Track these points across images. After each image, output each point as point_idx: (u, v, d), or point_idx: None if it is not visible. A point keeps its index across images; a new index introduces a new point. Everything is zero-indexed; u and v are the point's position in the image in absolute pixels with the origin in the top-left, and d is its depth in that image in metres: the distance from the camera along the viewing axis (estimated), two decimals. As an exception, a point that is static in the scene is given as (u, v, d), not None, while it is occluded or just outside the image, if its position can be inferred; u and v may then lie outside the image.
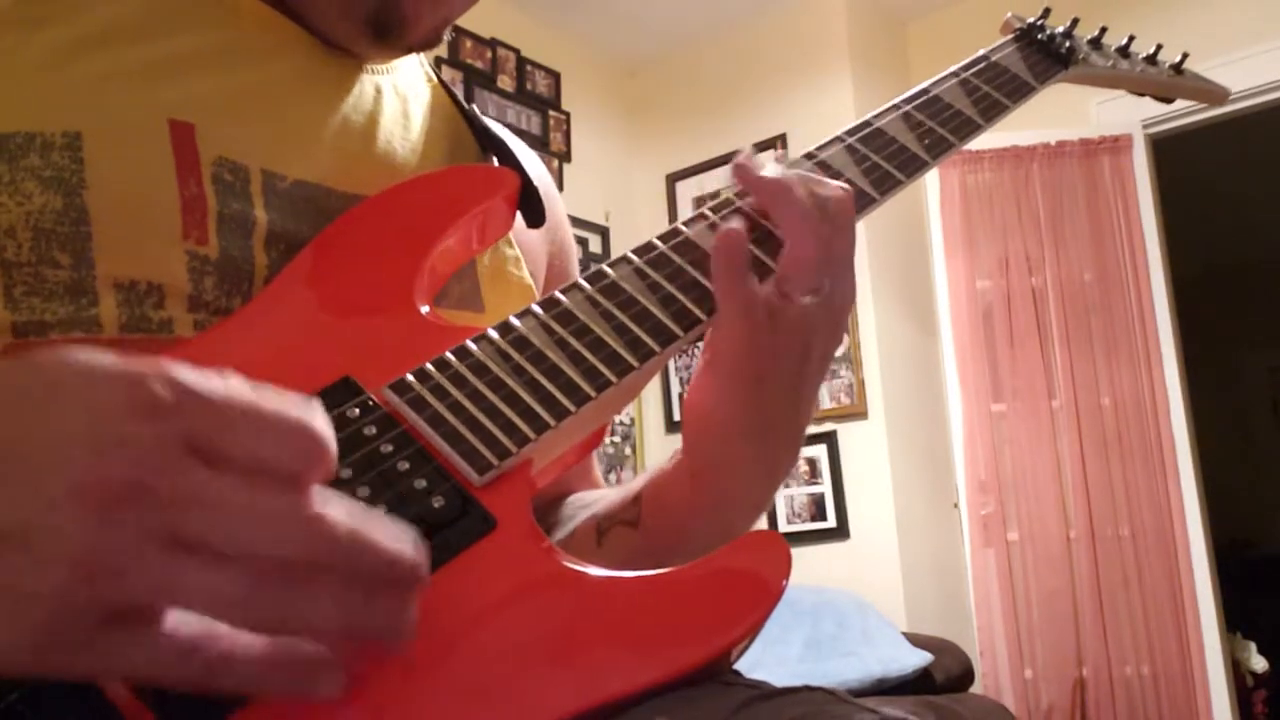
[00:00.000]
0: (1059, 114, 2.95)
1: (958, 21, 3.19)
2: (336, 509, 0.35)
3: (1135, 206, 2.91)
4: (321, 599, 0.34)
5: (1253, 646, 3.33)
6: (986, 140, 2.95)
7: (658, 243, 0.55)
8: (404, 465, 0.44)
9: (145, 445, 0.33)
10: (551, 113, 3.26)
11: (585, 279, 0.53)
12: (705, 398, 0.53)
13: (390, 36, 0.59)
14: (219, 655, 0.34)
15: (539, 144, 3.17)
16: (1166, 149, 3.09)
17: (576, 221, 3.18)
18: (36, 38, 0.51)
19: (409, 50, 0.63)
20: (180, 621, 0.33)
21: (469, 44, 3.02)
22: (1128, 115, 2.93)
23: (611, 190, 3.41)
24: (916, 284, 3.16)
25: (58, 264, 0.48)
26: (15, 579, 0.31)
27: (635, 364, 0.50)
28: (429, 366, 0.48)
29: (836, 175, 0.59)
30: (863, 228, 2.71)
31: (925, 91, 0.66)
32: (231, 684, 0.34)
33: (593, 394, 0.49)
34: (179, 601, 0.33)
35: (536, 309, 0.51)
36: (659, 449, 3.28)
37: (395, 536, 0.35)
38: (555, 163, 3.22)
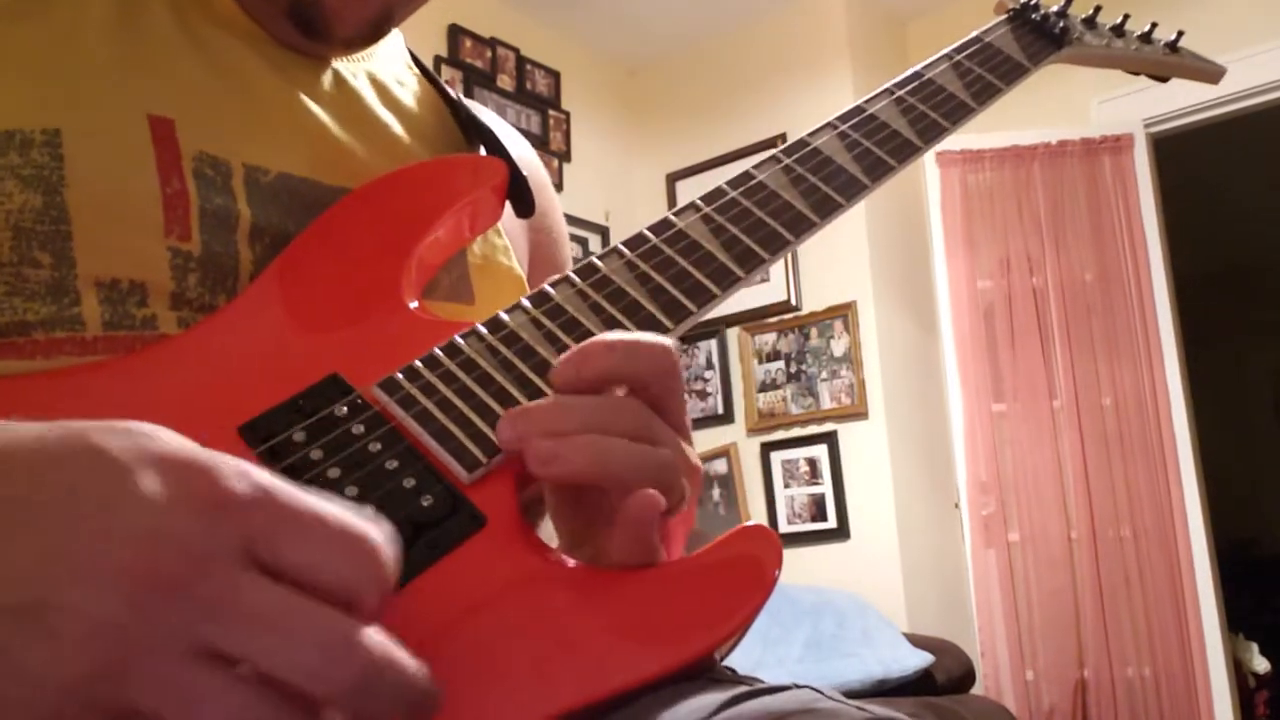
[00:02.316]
0: (1060, 113, 2.95)
1: (958, 20, 3.18)
2: (375, 635, 0.32)
3: (1136, 206, 2.91)
4: None
5: (1255, 647, 3.32)
6: (987, 140, 2.95)
7: (648, 234, 0.54)
8: (393, 464, 0.44)
9: (201, 541, 0.31)
10: (551, 112, 3.25)
11: (575, 272, 0.53)
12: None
13: (316, 32, 0.58)
14: None
15: (539, 143, 3.17)
16: (1168, 148, 3.09)
17: (576, 221, 3.18)
18: (13, 34, 0.50)
19: (346, 46, 0.61)
20: None
21: (468, 43, 3.02)
22: (1129, 114, 2.92)
23: (611, 190, 3.41)
24: (917, 284, 3.15)
25: (38, 264, 0.48)
26: (28, 656, 0.30)
27: None
28: (418, 364, 0.48)
29: (828, 162, 0.58)
30: (863, 227, 2.73)
31: (918, 75, 0.65)
32: None
33: None
34: (190, 714, 0.30)
35: (526, 303, 0.51)
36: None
37: (419, 670, 0.33)
38: (555, 162, 3.22)
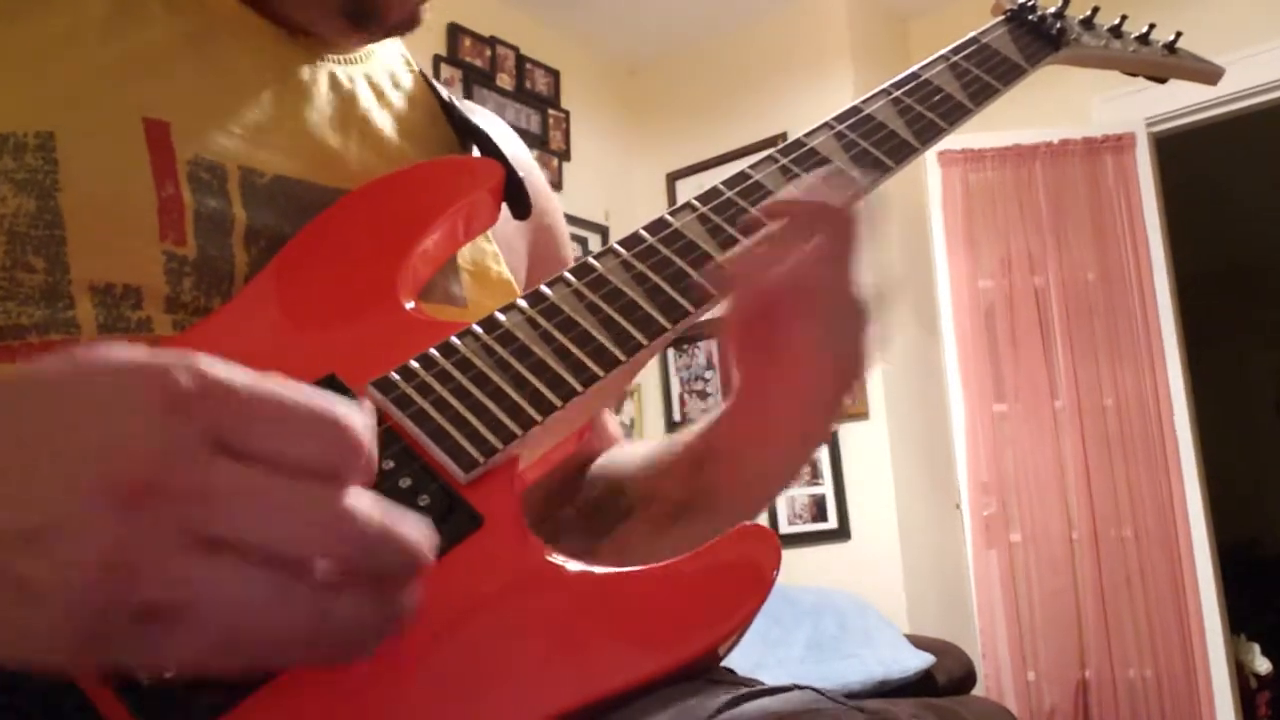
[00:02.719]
0: (1061, 112, 2.94)
1: (959, 20, 3.16)
2: (366, 503, 0.34)
3: (1138, 205, 2.90)
4: (346, 598, 0.33)
5: (1256, 648, 3.32)
6: (988, 139, 2.95)
7: (644, 234, 0.54)
8: (389, 464, 0.44)
9: (169, 440, 0.32)
10: (551, 112, 3.25)
11: (571, 272, 0.52)
12: (806, 435, 0.56)
13: (368, 22, 0.59)
14: (258, 643, 0.33)
15: (539, 143, 3.17)
16: (1170, 148, 3.08)
17: (576, 221, 3.18)
18: (8, 35, 0.50)
19: (389, 33, 0.62)
20: (206, 618, 0.32)
21: (468, 42, 3.02)
22: (1131, 114, 2.92)
23: (611, 190, 3.41)
24: (918, 283, 3.15)
25: (32, 268, 0.47)
26: (40, 580, 0.31)
27: (623, 358, 0.49)
28: (413, 364, 0.47)
29: (825, 162, 0.58)
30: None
31: (915, 75, 0.65)
32: (273, 666, 0.34)
33: (580, 389, 0.48)
34: (204, 602, 0.32)
35: (521, 303, 0.51)
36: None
37: (418, 528, 0.35)
38: (555, 162, 3.21)
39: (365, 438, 0.35)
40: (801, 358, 0.53)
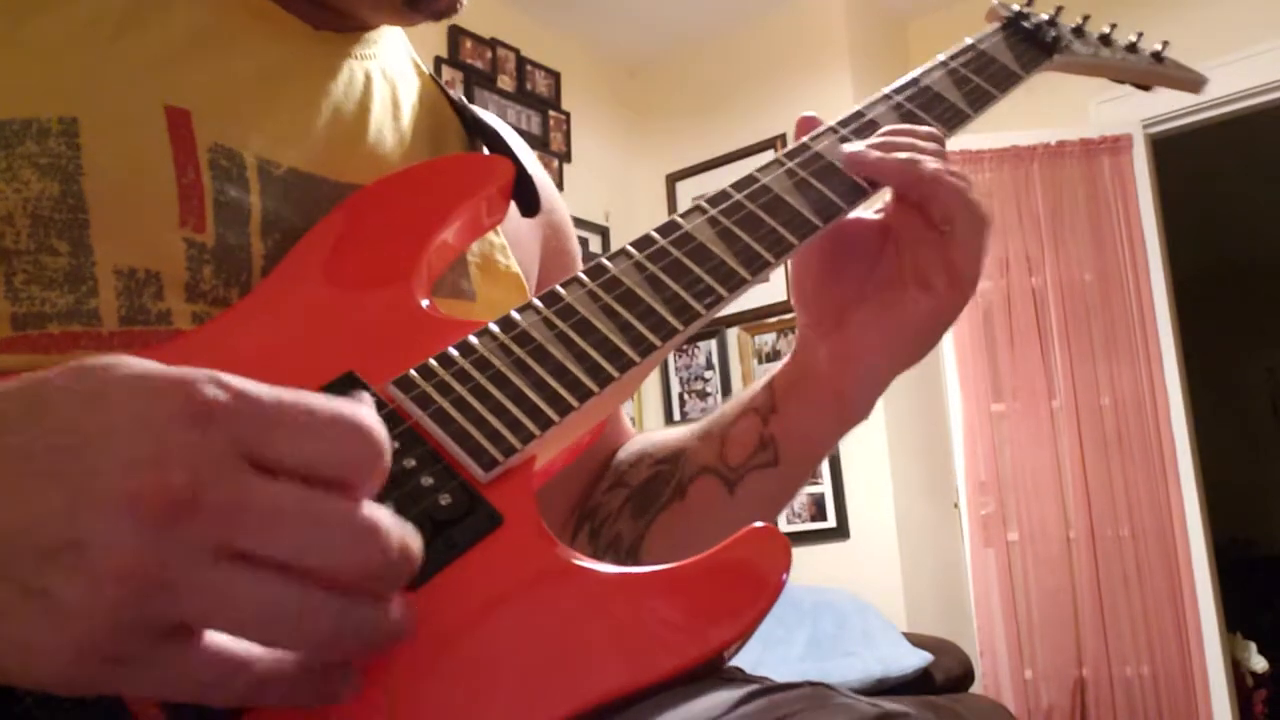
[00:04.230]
0: (1059, 114, 2.95)
1: (958, 21, 3.19)
2: (387, 516, 0.34)
3: (1135, 206, 2.91)
4: (365, 615, 0.34)
5: (1253, 646, 3.32)
6: (986, 140, 2.96)
7: (656, 236, 0.55)
8: (410, 462, 0.44)
9: (198, 454, 0.32)
10: (551, 113, 3.26)
11: (585, 273, 0.53)
12: (889, 356, 0.61)
13: (422, 3, 0.61)
14: (259, 676, 0.33)
15: (539, 144, 3.17)
16: (1167, 149, 3.09)
17: (577, 222, 3.17)
18: (30, 23, 0.51)
19: (435, 16, 0.63)
20: (224, 642, 0.33)
21: (469, 44, 3.02)
22: (1128, 115, 2.93)
23: (611, 190, 3.41)
24: (916, 284, 3.15)
25: (56, 251, 0.48)
26: (67, 594, 0.31)
27: (637, 359, 0.50)
28: (433, 362, 0.48)
29: (831, 166, 0.59)
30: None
31: (915, 81, 0.66)
32: (267, 704, 0.34)
33: (596, 389, 0.48)
34: (231, 617, 0.32)
35: (537, 303, 0.51)
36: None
37: (419, 541, 0.36)
38: (555, 163, 3.22)
39: (387, 445, 0.35)
40: (928, 270, 0.58)
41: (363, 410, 0.35)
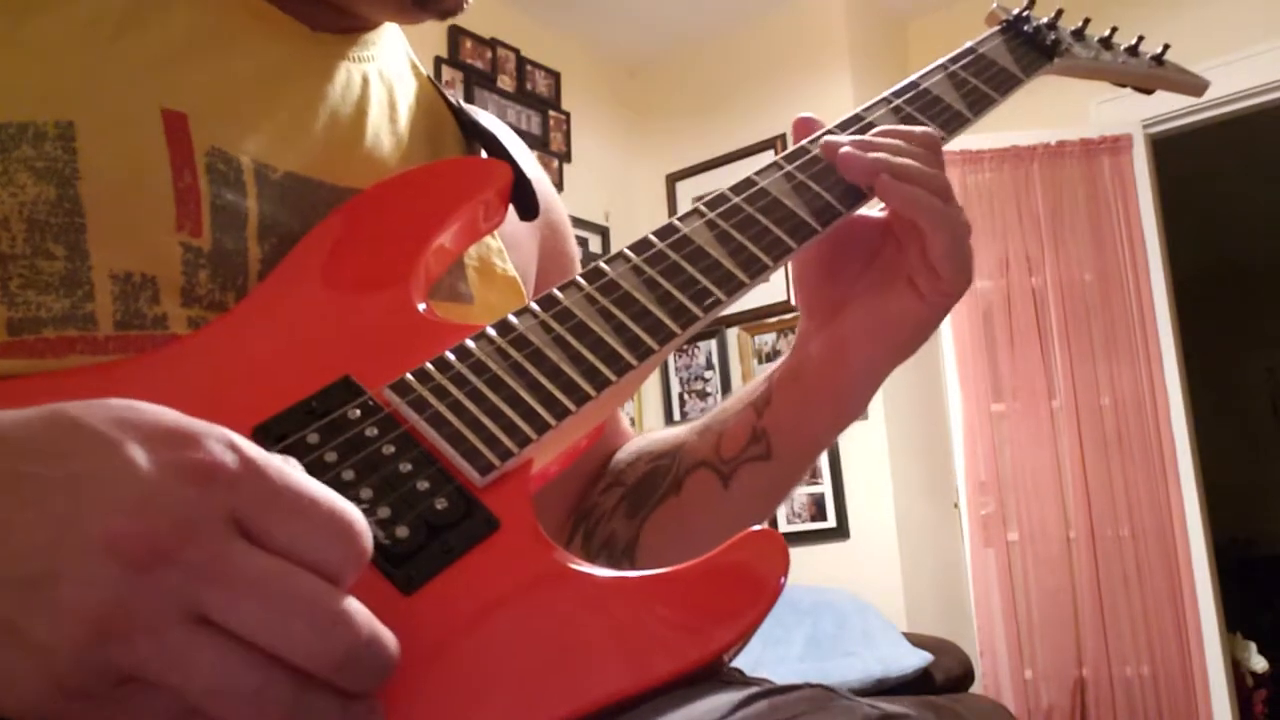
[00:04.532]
0: (1059, 114, 2.95)
1: (958, 21, 3.19)
2: (361, 610, 0.34)
3: (1135, 206, 2.91)
4: (321, 698, 0.33)
5: (1253, 646, 3.32)
6: (986, 140, 2.96)
7: (653, 239, 0.55)
8: (406, 467, 0.44)
9: (189, 509, 0.32)
10: (551, 113, 3.26)
11: (583, 276, 0.53)
12: (882, 346, 0.61)
13: (431, 2, 0.61)
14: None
15: (539, 144, 3.17)
16: (1166, 149, 3.09)
17: (576, 222, 3.17)
18: (26, 26, 0.50)
19: (441, 15, 0.63)
20: (194, 693, 0.32)
21: (469, 44, 3.02)
22: (1128, 115, 2.93)
23: (611, 190, 3.41)
24: (916, 284, 3.15)
25: (52, 255, 0.48)
26: (33, 628, 0.31)
27: (634, 362, 0.50)
28: (429, 366, 0.48)
29: (829, 169, 0.59)
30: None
31: (914, 84, 0.66)
32: None
33: (593, 393, 0.48)
34: (185, 682, 0.32)
35: (535, 307, 0.51)
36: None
37: (394, 642, 0.35)
38: (555, 163, 3.22)
39: (369, 548, 0.35)
40: (915, 269, 0.58)
41: (357, 514, 0.35)
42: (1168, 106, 2.90)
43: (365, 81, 0.62)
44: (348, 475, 0.43)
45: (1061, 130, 2.96)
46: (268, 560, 0.33)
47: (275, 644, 0.32)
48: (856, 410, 0.64)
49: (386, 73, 0.64)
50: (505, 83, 3.11)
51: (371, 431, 0.45)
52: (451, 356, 0.48)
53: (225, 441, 0.34)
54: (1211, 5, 2.87)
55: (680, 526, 0.65)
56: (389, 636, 0.35)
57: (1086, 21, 0.77)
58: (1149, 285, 2.87)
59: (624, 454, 0.71)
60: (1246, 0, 2.87)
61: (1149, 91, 0.81)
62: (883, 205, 0.61)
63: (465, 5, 0.63)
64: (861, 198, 0.59)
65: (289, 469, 0.35)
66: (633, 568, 0.63)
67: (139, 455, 0.33)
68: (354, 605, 0.34)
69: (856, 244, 0.62)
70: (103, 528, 0.31)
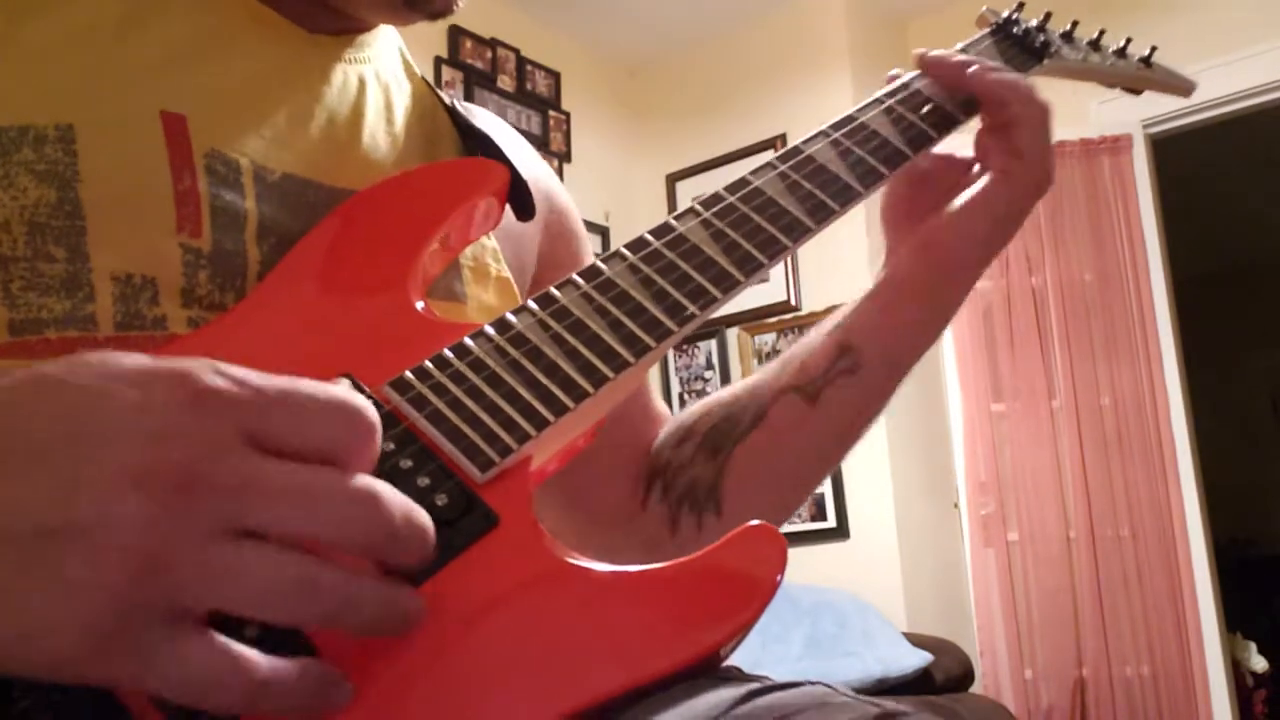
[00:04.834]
0: (1059, 114, 2.90)
1: (958, 21, 3.17)
2: (387, 488, 0.35)
3: (1135, 206, 2.92)
4: (368, 586, 0.35)
5: (1253, 646, 3.33)
6: (986, 140, 2.95)
7: (650, 238, 0.55)
8: (406, 463, 0.44)
9: (201, 434, 0.33)
10: (551, 113, 3.26)
11: (580, 275, 0.53)
12: (962, 237, 0.63)
13: (423, 3, 0.61)
14: (259, 679, 0.33)
15: (539, 144, 3.17)
16: (1166, 149, 3.09)
17: (576, 221, 3.18)
18: (26, 29, 0.51)
19: (432, 16, 0.63)
20: (225, 640, 0.33)
21: (469, 44, 3.02)
22: (1128, 115, 2.93)
23: (611, 190, 3.42)
24: (916, 284, 3.15)
25: (53, 258, 0.48)
26: (76, 572, 0.31)
27: (632, 360, 0.50)
28: (428, 364, 0.48)
29: (823, 169, 0.60)
30: (862, 228, 2.72)
31: (906, 86, 0.66)
32: (265, 710, 0.34)
33: (591, 390, 0.49)
34: (237, 593, 0.33)
35: (533, 305, 0.52)
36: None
37: (428, 517, 0.37)
38: (555, 163, 3.22)
39: (378, 424, 0.36)
40: (995, 157, 0.63)
41: (354, 394, 0.37)
42: (1168, 106, 2.90)
43: (362, 83, 0.62)
44: None
45: (1061, 130, 2.91)
46: (285, 464, 0.34)
47: (313, 535, 0.34)
48: (945, 308, 0.65)
49: (383, 74, 0.64)
50: (505, 83, 3.12)
51: None
52: (450, 354, 0.49)
53: (214, 368, 0.34)
54: (1210, 5, 2.87)
55: (768, 456, 0.64)
56: (420, 511, 0.36)
57: (1075, 24, 0.77)
58: (1149, 285, 2.87)
59: (687, 414, 0.71)
60: (1245, 0, 2.87)
61: (1138, 92, 0.81)
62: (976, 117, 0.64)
63: (456, 6, 0.63)
64: (856, 196, 0.59)
65: (280, 379, 0.35)
66: (717, 513, 0.65)
67: (136, 396, 0.33)
68: (382, 486, 0.35)
69: (940, 179, 0.65)
70: (122, 466, 0.32)
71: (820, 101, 3.13)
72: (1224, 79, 2.77)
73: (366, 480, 0.35)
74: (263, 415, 0.34)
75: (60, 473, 0.32)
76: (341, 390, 0.36)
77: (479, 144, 0.67)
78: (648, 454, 0.70)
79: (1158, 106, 2.89)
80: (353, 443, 0.36)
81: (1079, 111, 3.02)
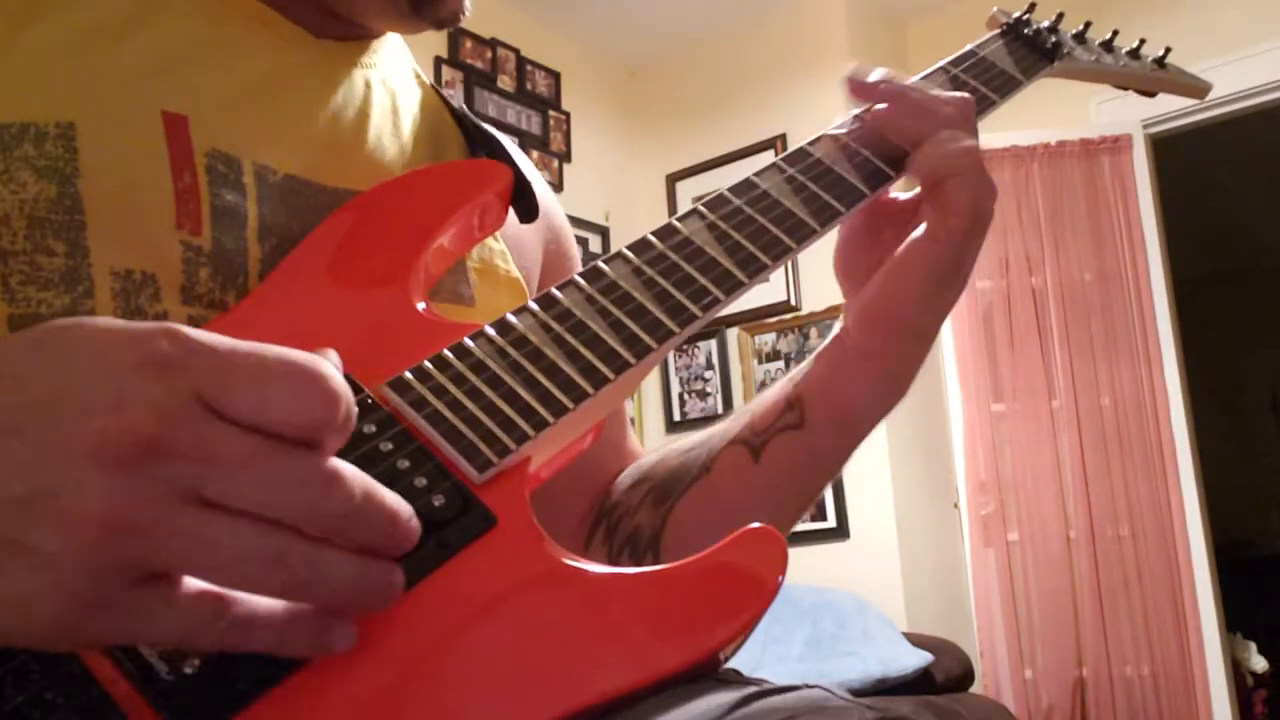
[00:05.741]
0: (1059, 114, 2.95)
1: (958, 21, 3.19)
2: (351, 471, 0.35)
3: (1135, 206, 2.92)
4: (336, 559, 0.35)
5: (1253, 646, 3.33)
6: (986, 140, 2.93)
7: (652, 239, 0.55)
8: (404, 463, 0.44)
9: (160, 400, 0.33)
10: (551, 113, 3.26)
11: (581, 276, 0.53)
12: (901, 300, 0.59)
13: (425, 8, 0.61)
14: (245, 615, 0.34)
15: (539, 144, 3.17)
16: (1166, 149, 3.09)
17: (576, 222, 3.18)
18: (29, 30, 0.51)
19: (438, 25, 0.63)
20: (203, 584, 0.34)
21: (469, 44, 3.02)
22: (1128, 115, 2.93)
23: (611, 190, 3.42)
24: (916, 284, 3.15)
25: (52, 252, 0.48)
26: (43, 540, 0.31)
27: (632, 360, 0.50)
28: (428, 365, 0.48)
29: (828, 170, 0.59)
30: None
31: (928, 78, 0.66)
32: (255, 644, 0.35)
33: (591, 391, 0.49)
34: (206, 560, 0.33)
35: (534, 306, 0.51)
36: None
37: (396, 498, 0.37)
38: (555, 163, 3.22)
39: (344, 392, 0.35)
40: (929, 215, 0.57)
41: (319, 360, 0.35)
42: (1168, 106, 2.90)
43: (368, 86, 0.62)
44: None
45: (1062, 130, 2.96)
46: (248, 437, 0.34)
47: (276, 512, 0.34)
48: (897, 374, 0.61)
49: (389, 79, 0.64)
50: (505, 83, 3.12)
51: (369, 428, 0.45)
52: (450, 355, 0.49)
53: (168, 333, 0.34)
54: (1211, 5, 2.87)
55: (709, 505, 0.63)
56: (386, 491, 0.36)
57: (1088, 25, 0.77)
58: (1149, 285, 2.87)
59: (649, 457, 0.70)
60: (1245, 1, 2.87)
61: (1151, 94, 0.80)
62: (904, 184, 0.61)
63: (462, 16, 0.63)
64: (861, 197, 0.59)
65: (238, 342, 0.35)
66: (656, 562, 0.63)
67: (95, 364, 0.34)
68: (343, 465, 0.35)
69: (894, 219, 0.61)
70: (84, 434, 0.32)
71: (820, 102, 3.13)
72: (1224, 79, 2.76)
73: (329, 460, 0.35)
74: (221, 382, 0.34)
75: (24, 445, 0.32)
76: (305, 356, 0.35)
77: (485, 147, 0.67)
78: (605, 491, 0.69)
79: (1158, 106, 2.89)
80: (318, 411, 0.34)
81: (1079, 111, 3.02)
